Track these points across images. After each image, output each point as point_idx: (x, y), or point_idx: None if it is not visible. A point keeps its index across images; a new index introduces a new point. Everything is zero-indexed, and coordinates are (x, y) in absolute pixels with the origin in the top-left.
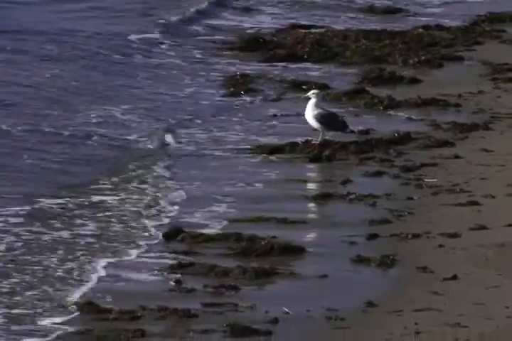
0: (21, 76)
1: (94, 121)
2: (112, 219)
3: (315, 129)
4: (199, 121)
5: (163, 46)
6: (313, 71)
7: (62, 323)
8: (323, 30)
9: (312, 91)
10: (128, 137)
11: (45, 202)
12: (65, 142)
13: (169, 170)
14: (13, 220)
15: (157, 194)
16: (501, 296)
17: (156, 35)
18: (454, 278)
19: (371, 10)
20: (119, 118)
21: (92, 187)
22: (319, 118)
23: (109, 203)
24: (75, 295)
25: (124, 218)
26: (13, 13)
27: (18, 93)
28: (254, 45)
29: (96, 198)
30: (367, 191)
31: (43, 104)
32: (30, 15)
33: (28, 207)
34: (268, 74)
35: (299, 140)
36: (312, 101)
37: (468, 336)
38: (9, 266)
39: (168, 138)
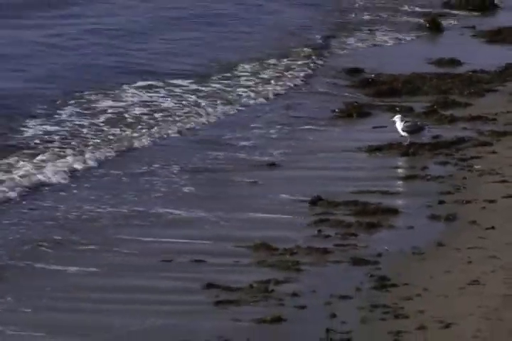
0: None
1: None
2: None
3: (402, 136)
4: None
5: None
6: (404, 101)
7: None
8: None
9: (396, 116)
10: None
11: None
12: None
13: None
14: None
15: None
16: None
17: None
18: (493, 228)
19: (440, 62)
20: None
21: None
22: (405, 129)
23: None
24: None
25: None
26: None
27: None
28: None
29: None
30: (437, 174)
31: None
32: None
33: None
34: (374, 102)
35: (394, 142)
36: (398, 120)
37: (501, 264)
38: None
39: None
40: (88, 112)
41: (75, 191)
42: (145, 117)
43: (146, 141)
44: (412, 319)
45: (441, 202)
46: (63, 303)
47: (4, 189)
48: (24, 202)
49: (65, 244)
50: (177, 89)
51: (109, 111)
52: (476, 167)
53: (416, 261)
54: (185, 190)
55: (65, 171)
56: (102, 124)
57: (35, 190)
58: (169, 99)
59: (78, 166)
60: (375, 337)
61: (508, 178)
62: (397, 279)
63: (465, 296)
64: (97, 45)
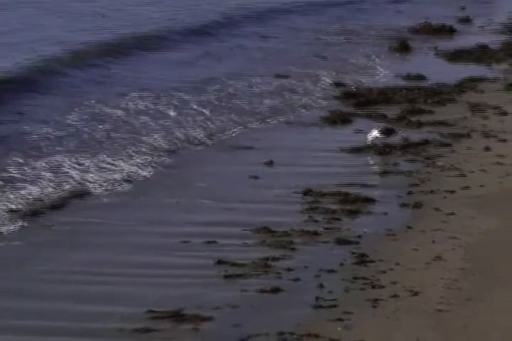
0: None
1: None
2: None
3: (377, 138)
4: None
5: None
6: (378, 108)
7: None
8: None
9: (374, 130)
10: None
11: None
12: None
13: None
14: None
15: None
16: (476, 222)
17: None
18: (453, 214)
19: (408, 77)
20: None
21: None
22: (380, 130)
23: None
24: None
25: None
26: None
27: None
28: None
29: None
30: (407, 169)
31: None
32: None
33: None
34: (356, 111)
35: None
36: (375, 131)
37: (460, 244)
38: None
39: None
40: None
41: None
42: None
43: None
44: (386, 288)
45: (409, 193)
46: (94, 277)
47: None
48: None
49: (100, 223)
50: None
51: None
52: (438, 163)
53: (389, 241)
54: (199, 184)
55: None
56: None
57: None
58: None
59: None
60: (356, 303)
61: (465, 173)
62: (374, 256)
63: (430, 270)
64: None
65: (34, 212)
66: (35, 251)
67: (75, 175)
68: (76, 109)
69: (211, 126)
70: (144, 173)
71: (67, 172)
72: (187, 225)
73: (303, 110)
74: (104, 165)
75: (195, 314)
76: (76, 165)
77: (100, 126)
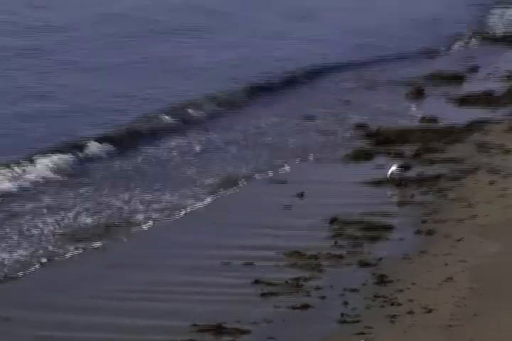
0: None
1: None
2: None
3: (396, 173)
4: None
5: None
6: (396, 147)
7: None
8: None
9: (393, 165)
10: None
11: None
12: None
13: None
14: None
15: None
16: (482, 247)
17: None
18: (462, 239)
19: (423, 119)
20: None
21: None
22: (398, 166)
23: None
24: None
25: None
26: None
27: None
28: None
29: None
30: (421, 200)
31: None
32: None
33: None
34: (376, 149)
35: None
36: (394, 167)
37: (468, 266)
38: None
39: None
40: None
41: None
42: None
43: None
44: (403, 306)
45: (423, 221)
46: (146, 294)
47: None
48: None
49: (152, 248)
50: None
51: None
52: (449, 195)
53: (406, 263)
54: (240, 213)
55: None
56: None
57: None
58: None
59: None
60: (377, 319)
61: (473, 204)
62: (392, 277)
63: (442, 289)
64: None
65: (92, 237)
66: (96, 272)
67: (130, 205)
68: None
69: (251, 162)
70: (191, 205)
71: (123, 202)
72: (227, 249)
73: (330, 148)
74: (153, 197)
75: (235, 327)
76: (133, 198)
77: (155, 167)
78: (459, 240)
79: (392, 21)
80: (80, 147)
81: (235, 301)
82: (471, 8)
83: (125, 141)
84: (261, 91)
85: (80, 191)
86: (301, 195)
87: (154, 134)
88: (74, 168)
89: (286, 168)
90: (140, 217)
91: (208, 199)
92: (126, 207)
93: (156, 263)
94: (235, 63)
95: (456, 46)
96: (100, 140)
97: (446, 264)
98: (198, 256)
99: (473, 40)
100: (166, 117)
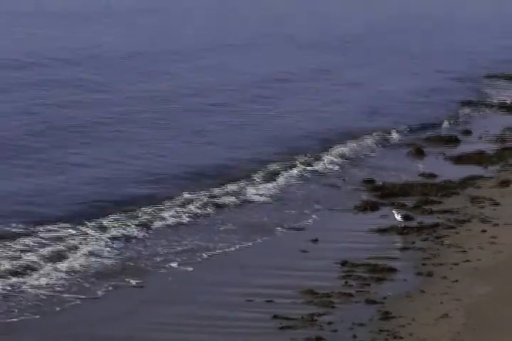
0: None
1: None
2: None
3: (399, 221)
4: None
5: None
6: (399, 199)
7: None
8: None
9: (394, 210)
10: None
11: None
12: None
13: None
14: None
15: None
16: (475, 288)
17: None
18: (457, 281)
19: (423, 175)
20: None
21: None
22: (401, 216)
23: None
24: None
25: None
26: None
27: None
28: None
29: None
30: (421, 246)
31: None
32: None
33: None
34: (381, 201)
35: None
36: (395, 213)
37: (462, 304)
38: None
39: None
40: None
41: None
42: None
43: None
44: (405, 339)
45: (423, 264)
46: (176, 327)
47: None
48: None
49: (183, 285)
50: None
51: None
52: (445, 242)
53: (407, 301)
54: (262, 256)
55: None
56: None
57: None
58: None
59: None
60: None
61: (466, 249)
62: (396, 313)
63: (439, 325)
64: None
65: (123, 274)
66: (133, 307)
67: (169, 249)
68: None
69: (275, 216)
70: (221, 249)
71: (161, 246)
72: (251, 287)
73: (341, 200)
74: (185, 241)
75: None
76: (167, 241)
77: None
78: (454, 281)
79: (394, 95)
80: None
81: (257, 333)
82: (464, 79)
83: None
84: None
85: None
86: (315, 241)
87: None
88: None
89: (303, 218)
90: (171, 257)
91: (235, 247)
92: (159, 249)
93: (186, 300)
94: None
95: (445, 124)
96: None
97: (443, 302)
98: (223, 294)
99: (466, 107)
100: None
